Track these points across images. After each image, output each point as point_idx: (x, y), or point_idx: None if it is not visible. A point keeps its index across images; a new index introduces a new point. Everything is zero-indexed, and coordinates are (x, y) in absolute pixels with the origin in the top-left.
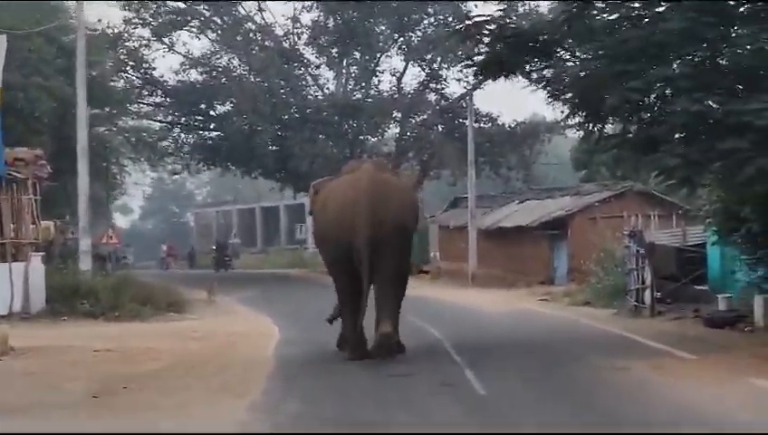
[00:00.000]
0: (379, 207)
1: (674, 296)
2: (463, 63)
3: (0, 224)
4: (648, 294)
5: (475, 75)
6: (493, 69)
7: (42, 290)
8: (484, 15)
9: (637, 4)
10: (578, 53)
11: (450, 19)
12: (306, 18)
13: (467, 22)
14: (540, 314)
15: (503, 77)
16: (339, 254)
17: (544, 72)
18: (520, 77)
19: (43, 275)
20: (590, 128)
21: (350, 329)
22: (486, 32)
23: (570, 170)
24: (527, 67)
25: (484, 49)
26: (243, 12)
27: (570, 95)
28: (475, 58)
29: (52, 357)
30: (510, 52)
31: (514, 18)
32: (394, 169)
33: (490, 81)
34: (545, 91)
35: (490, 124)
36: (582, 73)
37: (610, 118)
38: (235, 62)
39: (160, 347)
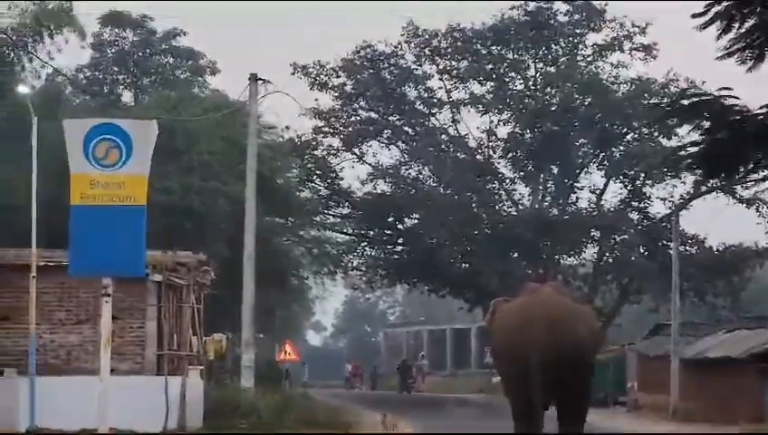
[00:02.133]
0: (554, 331)
1: None
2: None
3: (160, 334)
4: None
5: (687, 168)
6: (710, 163)
7: (200, 406)
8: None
9: None
10: None
11: (656, 134)
12: (502, 131)
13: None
14: None
15: (722, 175)
16: (514, 374)
17: None
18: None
19: (201, 390)
20: None
21: None
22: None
23: None
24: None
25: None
26: (436, 123)
27: None
28: (689, 148)
29: None
30: (735, 139)
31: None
32: (574, 293)
33: (700, 194)
34: None
35: (696, 247)
36: None
37: None
38: (425, 173)
39: None
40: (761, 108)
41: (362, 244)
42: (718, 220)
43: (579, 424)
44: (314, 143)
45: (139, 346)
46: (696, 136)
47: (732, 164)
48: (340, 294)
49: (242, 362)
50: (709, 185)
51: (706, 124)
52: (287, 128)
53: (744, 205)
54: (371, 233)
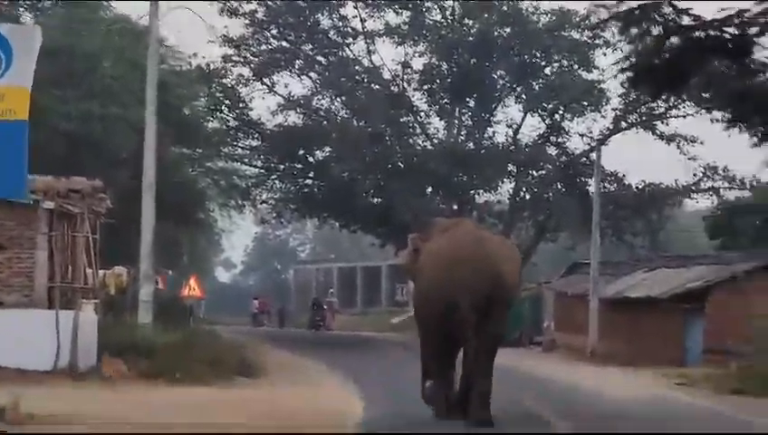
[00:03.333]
0: (490, 266)
1: None
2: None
3: (51, 266)
4: None
5: (631, 85)
6: (657, 76)
7: (93, 344)
8: None
9: None
10: None
11: (576, 66)
12: (418, 63)
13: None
14: (683, 405)
15: (668, 90)
16: (441, 313)
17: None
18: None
19: (95, 326)
20: None
21: (445, 389)
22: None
23: (701, 238)
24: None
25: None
26: (350, 54)
27: None
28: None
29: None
30: (689, 49)
31: None
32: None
33: (620, 129)
34: (726, 113)
35: (615, 185)
36: None
37: None
38: (338, 104)
39: (211, 423)
40: (719, 13)
41: (272, 177)
42: (638, 158)
43: (491, 364)
44: (223, 72)
45: (28, 278)
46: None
47: (683, 77)
48: (249, 230)
49: (140, 297)
50: (629, 120)
51: (655, 31)
52: (194, 55)
53: (665, 141)
54: (282, 166)
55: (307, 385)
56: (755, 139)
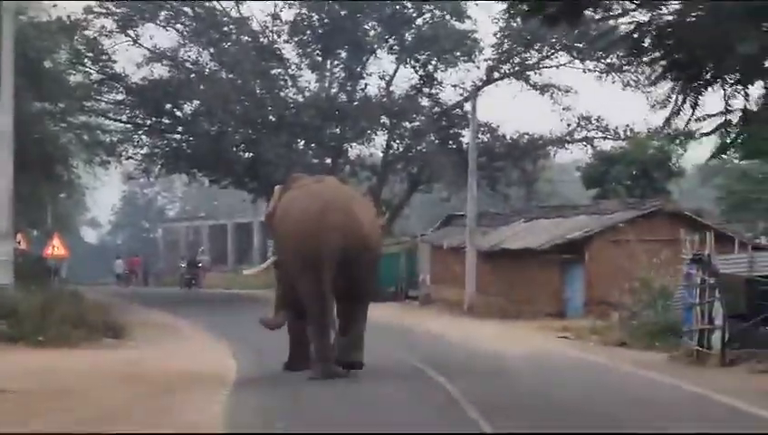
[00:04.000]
0: (342, 219)
1: (743, 340)
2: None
3: None
4: (717, 336)
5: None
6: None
7: None
8: None
9: None
10: None
11: (448, 16)
12: (288, 14)
13: None
14: (569, 359)
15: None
16: (301, 264)
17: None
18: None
19: None
20: (681, 101)
21: (319, 347)
22: None
23: (576, 188)
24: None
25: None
26: (217, 5)
27: (666, 44)
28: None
29: None
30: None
31: None
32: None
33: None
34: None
35: (489, 135)
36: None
37: (715, 84)
38: (206, 56)
39: (75, 388)
40: None
41: (139, 132)
42: (512, 108)
43: (360, 313)
44: (85, 23)
45: None
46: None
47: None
48: (117, 189)
49: None
50: (502, 71)
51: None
52: (54, 6)
53: (538, 92)
54: (149, 121)
55: (178, 343)
56: (653, 77)
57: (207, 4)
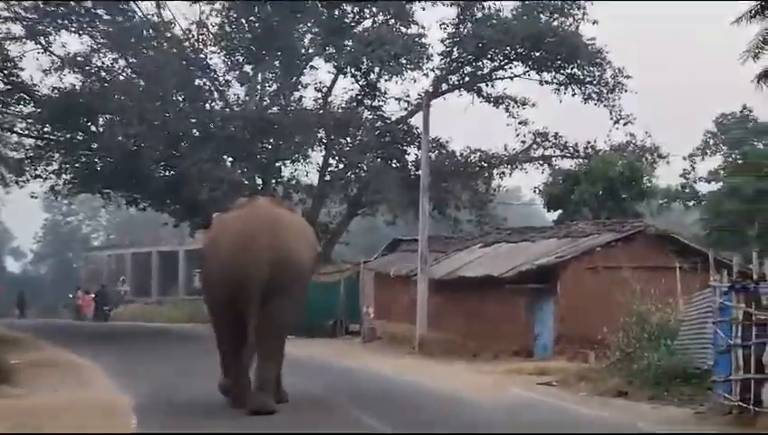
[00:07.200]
0: (277, 245)
1: None
2: None
3: None
4: None
5: None
6: None
7: None
8: None
9: None
10: None
11: (393, 20)
12: (215, 20)
13: None
14: (579, 420)
15: None
16: (227, 296)
17: None
18: None
19: None
20: None
21: (234, 379)
22: None
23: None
24: None
25: None
26: (137, 9)
27: None
28: None
29: None
30: None
31: None
32: (294, 209)
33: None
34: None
35: (437, 151)
36: None
37: None
38: (122, 63)
39: None
40: None
41: (49, 149)
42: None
43: (275, 349)
44: None
45: None
46: None
47: None
48: (38, 216)
49: None
50: (451, 82)
51: None
52: None
53: (492, 104)
54: (60, 136)
55: (73, 388)
56: None
57: (124, 6)
